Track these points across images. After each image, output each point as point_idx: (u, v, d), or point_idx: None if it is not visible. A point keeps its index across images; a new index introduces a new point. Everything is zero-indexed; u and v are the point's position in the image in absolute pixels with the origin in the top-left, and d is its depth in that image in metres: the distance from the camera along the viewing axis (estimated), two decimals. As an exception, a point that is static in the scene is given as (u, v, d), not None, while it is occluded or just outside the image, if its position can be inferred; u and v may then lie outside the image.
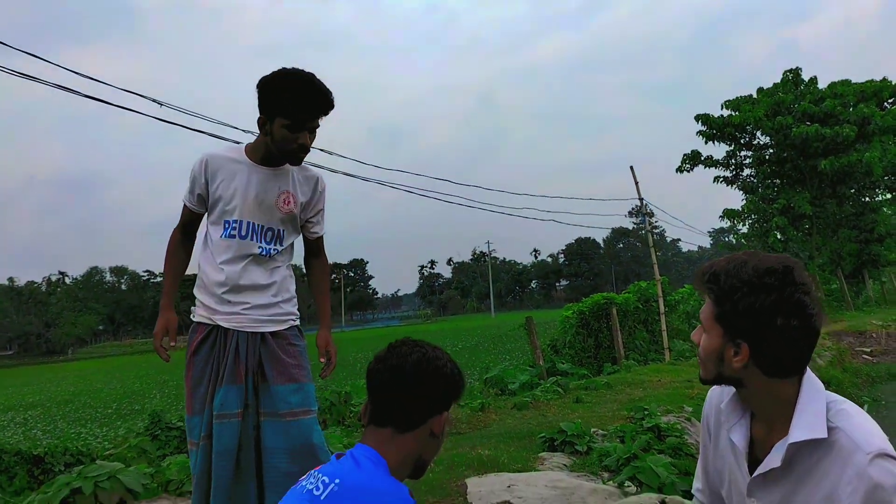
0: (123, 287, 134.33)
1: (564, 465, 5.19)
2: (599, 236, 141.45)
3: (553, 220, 15.83)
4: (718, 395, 1.97)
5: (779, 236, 28.11)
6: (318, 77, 2.79)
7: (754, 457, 1.83)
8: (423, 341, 1.89)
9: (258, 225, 2.99)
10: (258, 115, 2.84)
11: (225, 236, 2.97)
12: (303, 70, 2.78)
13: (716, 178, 29.65)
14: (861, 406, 1.84)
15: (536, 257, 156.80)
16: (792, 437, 1.67)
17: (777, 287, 1.64)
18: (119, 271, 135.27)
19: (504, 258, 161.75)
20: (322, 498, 1.66)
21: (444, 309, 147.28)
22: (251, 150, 2.99)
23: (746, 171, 29.73)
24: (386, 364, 1.84)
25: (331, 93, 2.79)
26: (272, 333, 2.96)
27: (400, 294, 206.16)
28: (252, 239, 2.98)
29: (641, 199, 16.84)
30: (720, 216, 29.11)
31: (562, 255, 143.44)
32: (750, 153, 29.23)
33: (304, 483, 1.77)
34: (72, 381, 34.20)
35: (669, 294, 19.20)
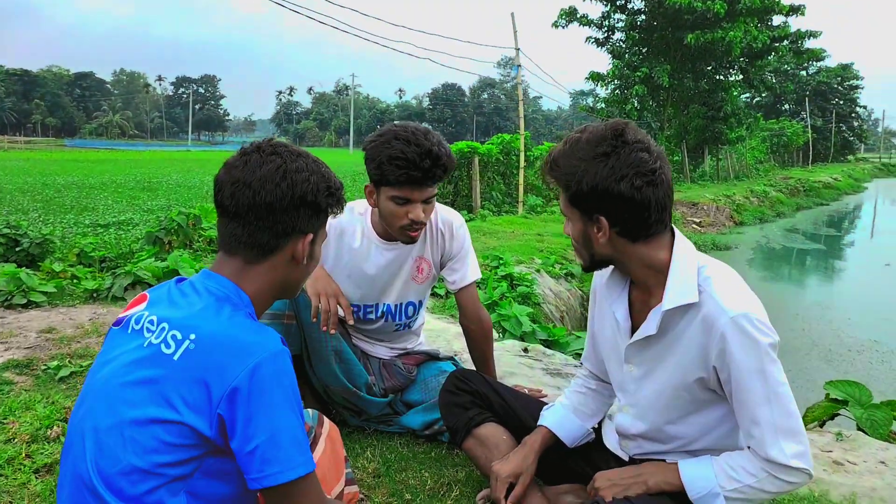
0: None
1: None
2: (465, 84, 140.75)
3: (429, 58, 15.33)
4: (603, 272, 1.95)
5: (636, 104, 29.04)
6: (430, 134, 2.32)
7: (634, 322, 1.83)
8: (287, 146, 1.55)
9: (395, 305, 2.67)
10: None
11: (358, 315, 2.66)
12: (411, 130, 2.31)
13: (587, 39, 29.78)
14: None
15: (401, 97, 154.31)
16: (665, 304, 1.68)
17: (611, 152, 1.62)
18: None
19: (368, 95, 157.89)
20: (175, 358, 1.34)
21: (300, 140, 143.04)
22: (374, 223, 2.57)
23: (617, 35, 30.01)
24: (231, 176, 1.48)
25: (444, 155, 2.31)
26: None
27: (254, 119, 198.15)
28: (388, 320, 2.69)
29: (518, 49, 16.60)
30: (586, 77, 29.53)
31: (427, 99, 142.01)
32: (623, 17, 29.40)
33: (140, 330, 1.43)
34: None
35: (529, 149, 19.52)
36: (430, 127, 2.41)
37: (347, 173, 21.39)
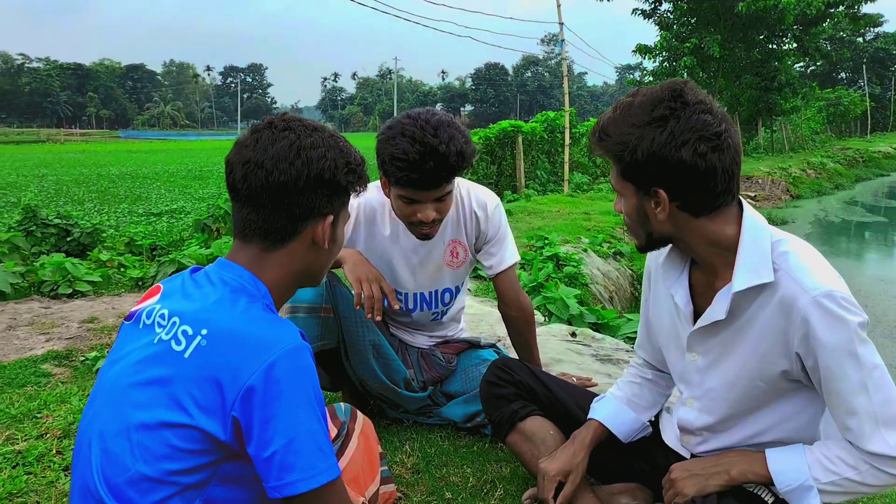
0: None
1: (468, 289, 5.08)
2: (508, 63, 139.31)
3: (469, 36, 15.08)
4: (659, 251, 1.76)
5: (685, 77, 28.22)
6: (442, 128, 2.04)
7: (696, 307, 1.65)
8: (302, 121, 1.40)
9: (429, 293, 2.49)
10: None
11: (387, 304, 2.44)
12: (420, 123, 2.04)
13: (634, 10, 29.07)
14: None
15: (444, 79, 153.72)
16: (736, 285, 1.48)
17: (669, 115, 1.42)
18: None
19: (411, 77, 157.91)
20: (186, 356, 1.22)
21: (345, 125, 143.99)
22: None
23: (665, 6, 29.23)
24: (242, 156, 1.35)
25: (454, 154, 2.04)
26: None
27: (300, 106, 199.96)
28: (423, 309, 2.52)
29: (562, 24, 16.22)
30: (632, 51, 28.82)
31: (469, 79, 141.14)
32: (671, -14, 28.60)
33: (151, 326, 1.31)
34: (-61, 169, 31.65)
35: (575, 126, 19.15)
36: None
37: (392, 156, 21.42)
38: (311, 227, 1.37)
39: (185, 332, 1.25)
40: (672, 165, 1.42)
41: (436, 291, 2.49)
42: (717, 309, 1.55)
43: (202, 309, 1.28)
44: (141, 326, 1.34)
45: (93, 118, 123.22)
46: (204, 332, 1.23)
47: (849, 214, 18.14)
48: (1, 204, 16.75)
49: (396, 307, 2.30)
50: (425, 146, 2.00)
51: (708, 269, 1.59)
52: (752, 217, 1.53)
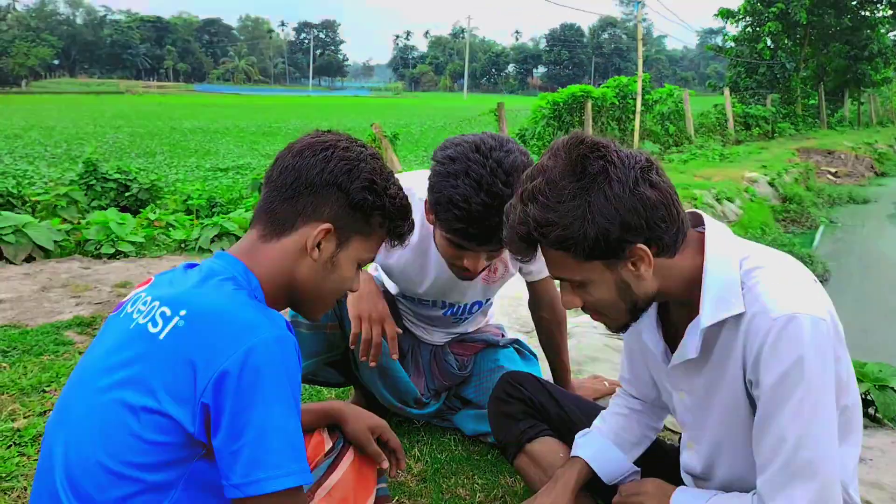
0: (79, 21, 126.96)
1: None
2: (585, 24, 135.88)
3: (539, -3, 14.52)
4: None
5: (769, 43, 26.97)
6: (516, 175, 1.61)
7: (676, 341, 1.44)
8: (364, 144, 1.37)
9: (459, 305, 2.24)
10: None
11: (413, 300, 2.26)
12: (491, 165, 1.64)
13: (717, -28, 27.77)
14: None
15: (517, 39, 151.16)
16: (704, 320, 1.32)
17: (602, 166, 1.24)
18: (74, 3, 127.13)
19: (483, 38, 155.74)
20: (161, 338, 1.14)
21: (415, 84, 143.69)
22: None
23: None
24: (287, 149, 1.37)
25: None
26: None
27: (371, 64, 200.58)
28: (446, 315, 2.27)
29: (637, -15, 15.51)
30: (714, 15, 27.59)
31: (544, 40, 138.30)
32: (758, -53, 27.15)
33: (131, 313, 1.23)
34: (23, 116, 32.90)
35: (648, 93, 18.46)
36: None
37: (460, 118, 21.06)
38: (307, 228, 1.30)
39: (163, 314, 1.18)
40: (640, 210, 1.23)
41: (465, 304, 2.24)
42: (689, 347, 1.37)
43: (184, 291, 1.22)
44: (122, 315, 1.27)
45: (170, 71, 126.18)
46: (182, 312, 1.16)
47: (940, 194, 17.01)
48: (77, 152, 17.23)
49: (395, 357, 2.05)
50: (493, 197, 1.63)
51: (681, 305, 1.40)
52: (715, 240, 1.33)
